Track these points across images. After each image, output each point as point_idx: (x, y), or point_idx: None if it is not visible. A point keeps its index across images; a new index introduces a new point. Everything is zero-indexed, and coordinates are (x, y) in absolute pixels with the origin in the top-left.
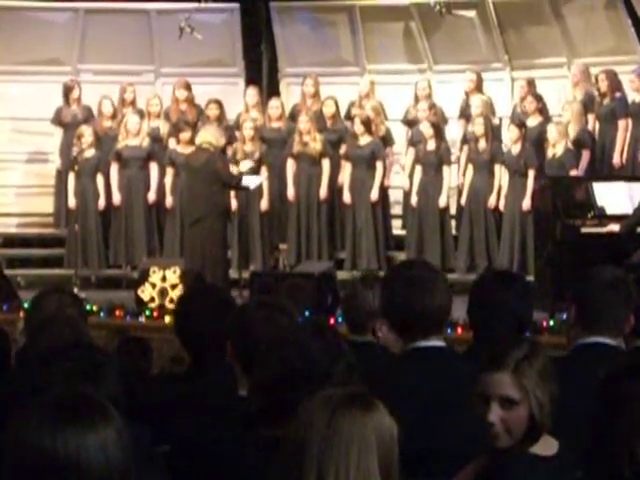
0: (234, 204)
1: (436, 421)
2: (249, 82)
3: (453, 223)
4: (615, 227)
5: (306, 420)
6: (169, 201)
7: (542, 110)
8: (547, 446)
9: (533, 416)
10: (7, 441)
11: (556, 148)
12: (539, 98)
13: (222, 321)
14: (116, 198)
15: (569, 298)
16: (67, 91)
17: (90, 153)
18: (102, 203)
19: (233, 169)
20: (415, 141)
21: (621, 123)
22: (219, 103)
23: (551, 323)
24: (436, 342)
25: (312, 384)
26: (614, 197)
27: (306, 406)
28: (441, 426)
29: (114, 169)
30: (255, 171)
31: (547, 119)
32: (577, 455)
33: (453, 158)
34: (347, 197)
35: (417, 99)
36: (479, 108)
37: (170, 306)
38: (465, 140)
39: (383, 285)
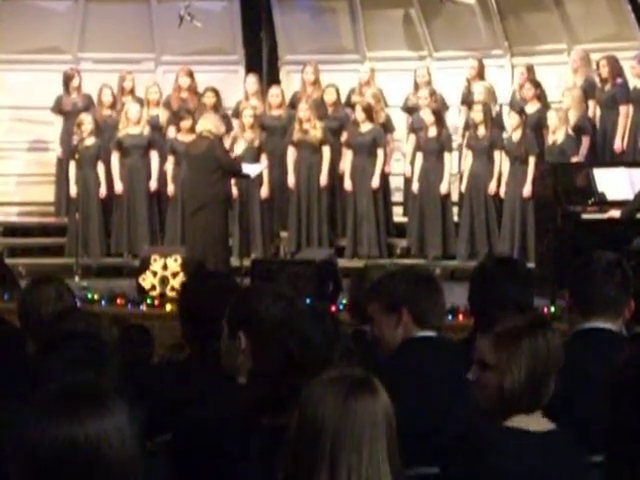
0: (234, 192)
1: (435, 404)
2: (249, 70)
3: (455, 210)
4: (616, 213)
5: (314, 407)
6: (170, 189)
7: (540, 96)
8: (535, 423)
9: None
10: (17, 436)
11: (556, 134)
12: (537, 84)
13: (225, 306)
14: (117, 186)
15: (566, 284)
16: (67, 80)
17: (90, 141)
18: (103, 191)
19: (232, 156)
20: (416, 128)
21: (622, 109)
22: (215, 91)
23: (552, 309)
24: (431, 333)
25: (311, 370)
26: (615, 183)
27: (313, 390)
28: (440, 409)
29: (115, 157)
30: (254, 156)
31: (545, 105)
32: (581, 438)
33: (454, 145)
34: (348, 184)
35: (417, 86)
36: (482, 95)
37: (171, 294)
38: (467, 127)
39: (397, 281)
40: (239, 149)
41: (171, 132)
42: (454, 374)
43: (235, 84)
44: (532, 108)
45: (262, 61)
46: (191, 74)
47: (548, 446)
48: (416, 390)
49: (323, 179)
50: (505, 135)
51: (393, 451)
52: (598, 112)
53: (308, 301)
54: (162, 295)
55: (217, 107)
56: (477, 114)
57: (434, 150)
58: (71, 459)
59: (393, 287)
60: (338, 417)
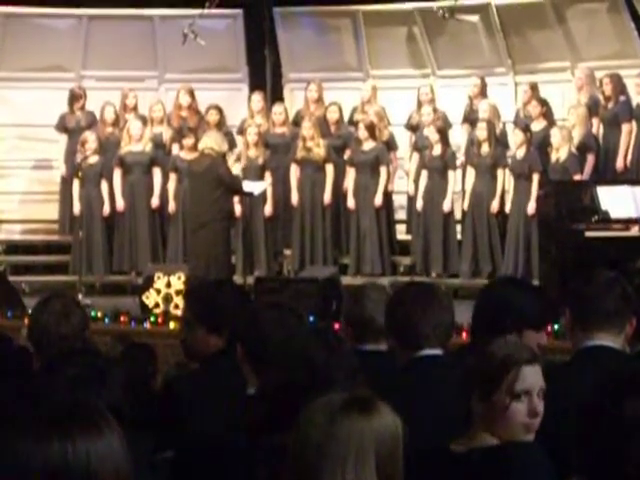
0: (238, 209)
1: (439, 423)
2: (253, 88)
3: (458, 228)
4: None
5: (304, 426)
6: (171, 207)
7: (546, 114)
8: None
9: None
10: (11, 452)
11: (559, 152)
12: (543, 102)
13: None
14: (119, 204)
15: (566, 302)
16: (74, 98)
17: (94, 159)
18: (107, 209)
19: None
20: (420, 146)
21: (625, 127)
22: (219, 109)
23: (555, 327)
24: (434, 351)
25: (315, 391)
26: (618, 201)
27: (306, 411)
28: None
29: (117, 175)
30: (258, 174)
31: (551, 123)
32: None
33: (457, 163)
34: (351, 202)
35: (420, 104)
36: (486, 113)
37: (175, 312)
38: (471, 145)
39: (393, 303)
40: (237, 169)
41: (175, 150)
42: (448, 393)
43: (239, 102)
44: (538, 126)
45: (266, 79)
46: (192, 92)
47: (467, 466)
48: (407, 410)
49: (327, 197)
50: (509, 153)
51: (390, 474)
52: (601, 130)
53: (311, 319)
54: (166, 313)
55: (220, 124)
56: (481, 132)
57: (438, 168)
58: (62, 478)
59: (384, 317)
60: (322, 437)
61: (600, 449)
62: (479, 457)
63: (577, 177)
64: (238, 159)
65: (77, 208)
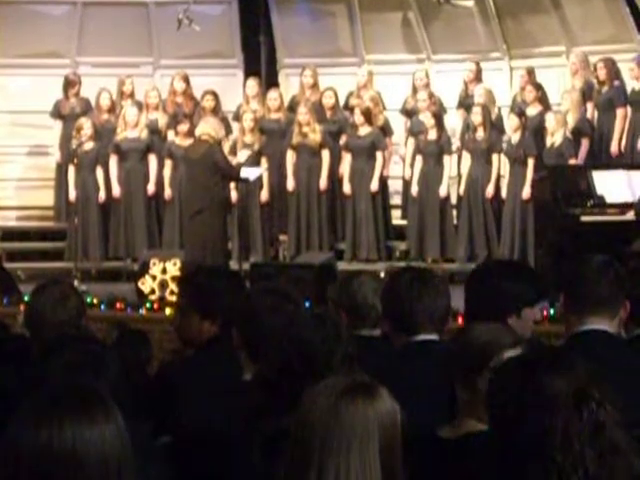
0: (234, 196)
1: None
2: (248, 73)
3: (454, 213)
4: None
5: (308, 409)
6: (167, 193)
7: (542, 99)
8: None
9: None
10: (6, 435)
11: (554, 137)
12: (539, 87)
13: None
14: (116, 190)
15: (560, 286)
16: (68, 85)
17: (89, 146)
18: (102, 196)
19: (232, 160)
20: (415, 131)
21: (619, 111)
22: (215, 94)
23: (551, 312)
24: (430, 336)
25: (313, 375)
26: (613, 185)
27: (309, 395)
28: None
29: (113, 161)
30: (254, 160)
31: (547, 108)
32: None
33: (453, 148)
34: (347, 187)
35: (415, 89)
36: (482, 97)
37: (170, 298)
38: (466, 130)
39: (389, 288)
40: (242, 157)
41: (170, 136)
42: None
43: (234, 88)
44: (533, 111)
45: (261, 64)
46: (186, 78)
47: (456, 453)
48: (402, 395)
49: (322, 182)
50: (505, 138)
51: (391, 459)
52: (596, 114)
53: (307, 305)
54: (161, 299)
55: (216, 110)
56: (476, 116)
57: (434, 153)
58: (49, 463)
59: (380, 303)
60: (327, 422)
61: (519, 426)
62: (468, 443)
63: (572, 162)
64: (244, 146)
65: (72, 195)
